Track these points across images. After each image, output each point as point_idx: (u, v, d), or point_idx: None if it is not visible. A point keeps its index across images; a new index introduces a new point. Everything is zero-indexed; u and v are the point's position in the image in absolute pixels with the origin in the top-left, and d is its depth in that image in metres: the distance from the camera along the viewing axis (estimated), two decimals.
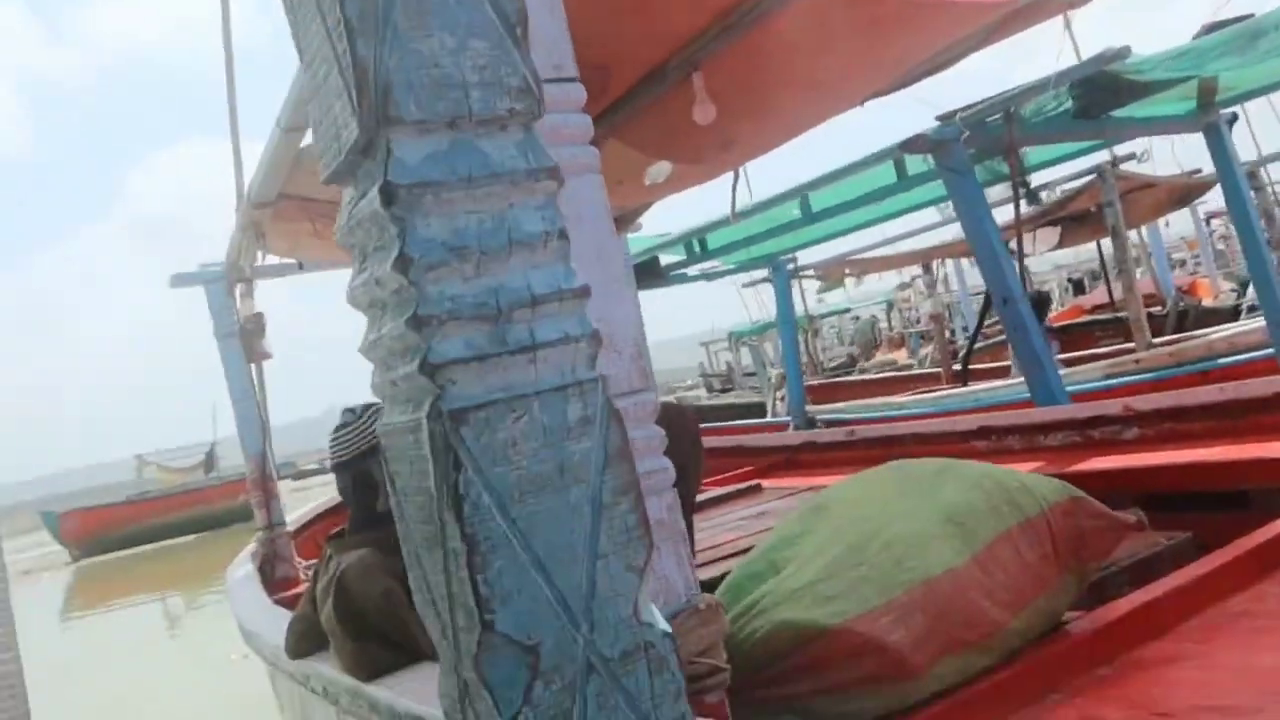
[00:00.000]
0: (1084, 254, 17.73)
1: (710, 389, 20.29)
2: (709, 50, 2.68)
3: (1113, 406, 3.22)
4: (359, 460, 2.03)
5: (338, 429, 2.11)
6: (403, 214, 0.74)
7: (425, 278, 0.73)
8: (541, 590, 0.73)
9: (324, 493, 5.39)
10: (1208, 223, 15.69)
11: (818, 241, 5.96)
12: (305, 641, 2.03)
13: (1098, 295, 13.83)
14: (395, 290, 0.76)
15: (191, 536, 22.35)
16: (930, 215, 6.85)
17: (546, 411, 0.75)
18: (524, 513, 0.73)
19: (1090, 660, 1.40)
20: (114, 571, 19.44)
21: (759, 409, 10.75)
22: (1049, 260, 19.67)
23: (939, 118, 3.87)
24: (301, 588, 3.64)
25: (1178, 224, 15.21)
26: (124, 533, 22.34)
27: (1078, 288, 19.37)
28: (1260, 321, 5.48)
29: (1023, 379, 6.42)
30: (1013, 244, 4.32)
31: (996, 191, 4.76)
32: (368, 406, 2.10)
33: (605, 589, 0.76)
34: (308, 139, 2.63)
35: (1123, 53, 3.46)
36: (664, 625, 0.80)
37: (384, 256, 0.75)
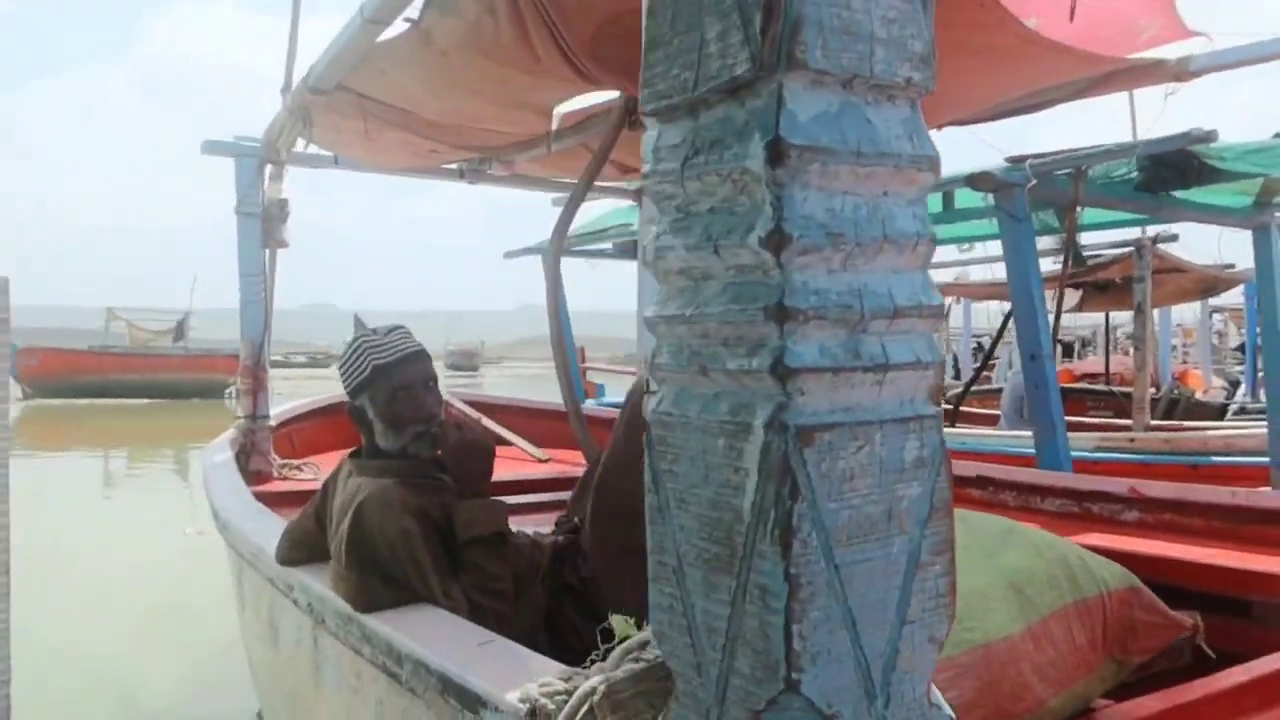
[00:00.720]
0: (1081, 320, 17.78)
1: None
2: None
3: (1118, 486, 3.19)
4: (354, 395, 1.98)
5: (342, 356, 2.05)
6: (786, 180, 0.63)
7: (795, 262, 0.63)
8: (849, 652, 0.65)
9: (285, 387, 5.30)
10: (1210, 316, 15.79)
11: (951, 242, 5.83)
12: (297, 551, 1.97)
13: (1089, 364, 13.87)
14: (747, 267, 0.65)
15: (146, 401, 22.14)
16: (950, 250, 6.80)
17: (887, 444, 0.66)
18: (848, 559, 0.64)
19: None
20: (64, 417, 19.23)
21: None
22: None
23: (1009, 159, 3.81)
24: (273, 484, 3.58)
25: (1177, 310, 15.29)
26: (82, 381, 22.09)
27: (1066, 350, 19.42)
28: (1258, 427, 5.50)
29: (1012, 432, 6.45)
30: (1049, 300, 4.27)
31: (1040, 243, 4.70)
32: (369, 332, 2.03)
33: (906, 661, 0.68)
34: (387, 33, 2.52)
35: (1210, 135, 3.41)
36: (949, 711, 0.72)
37: (739, 224, 0.65)
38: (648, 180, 0.73)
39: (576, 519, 2.00)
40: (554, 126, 3.23)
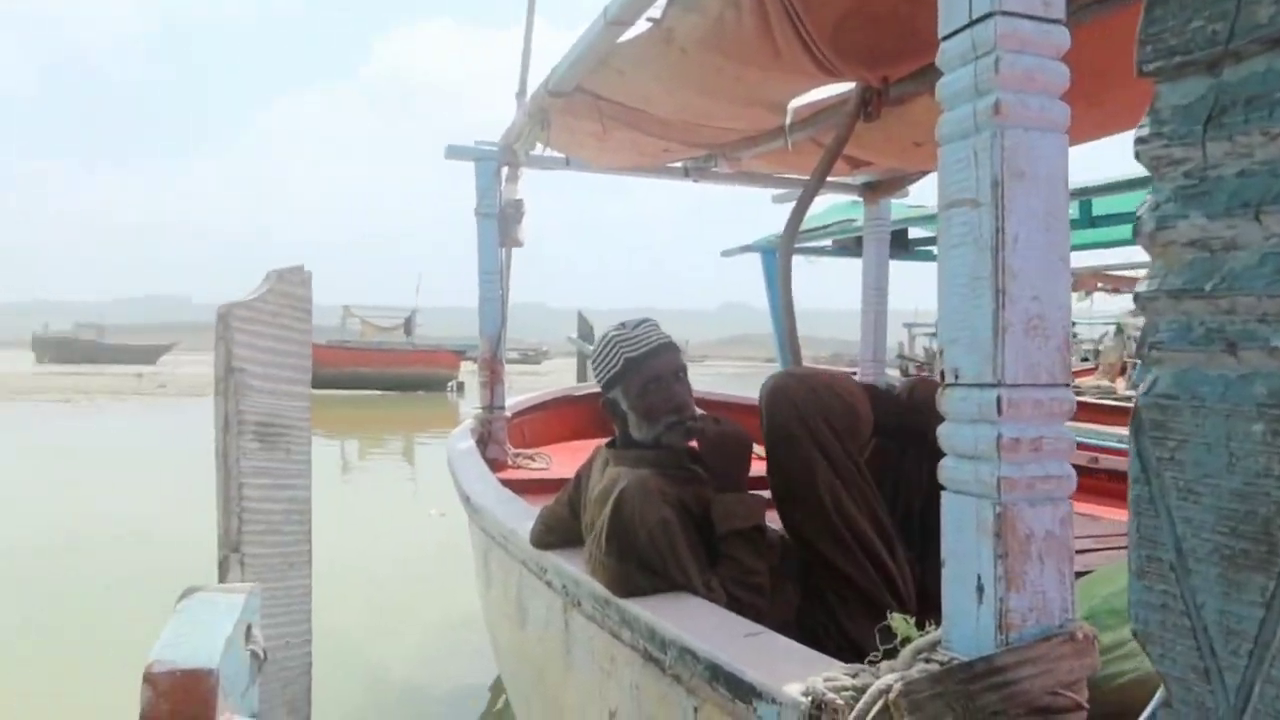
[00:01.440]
0: None
1: (905, 373, 19.60)
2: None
3: None
4: (607, 389, 2.03)
5: (594, 351, 2.10)
6: None
7: None
8: None
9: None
10: None
11: (1090, 247, 5.52)
12: (551, 535, 2.06)
13: None
14: None
15: (377, 392, 23.84)
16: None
17: None
18: None
19: None
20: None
21: None
22: None
23: None
24: (508, 472, 3.75)
25: None
26: (320, 373, 24.09)
27: None
28: None
29: None
30: None
31: None
32: (619, 326, 2.07)
33: None
34: (628, 34, 2.58)
35: None
36: None
37: None
38: (1145, 146, 0.70)
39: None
40: (787, 121, 3.21)
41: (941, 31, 1.03)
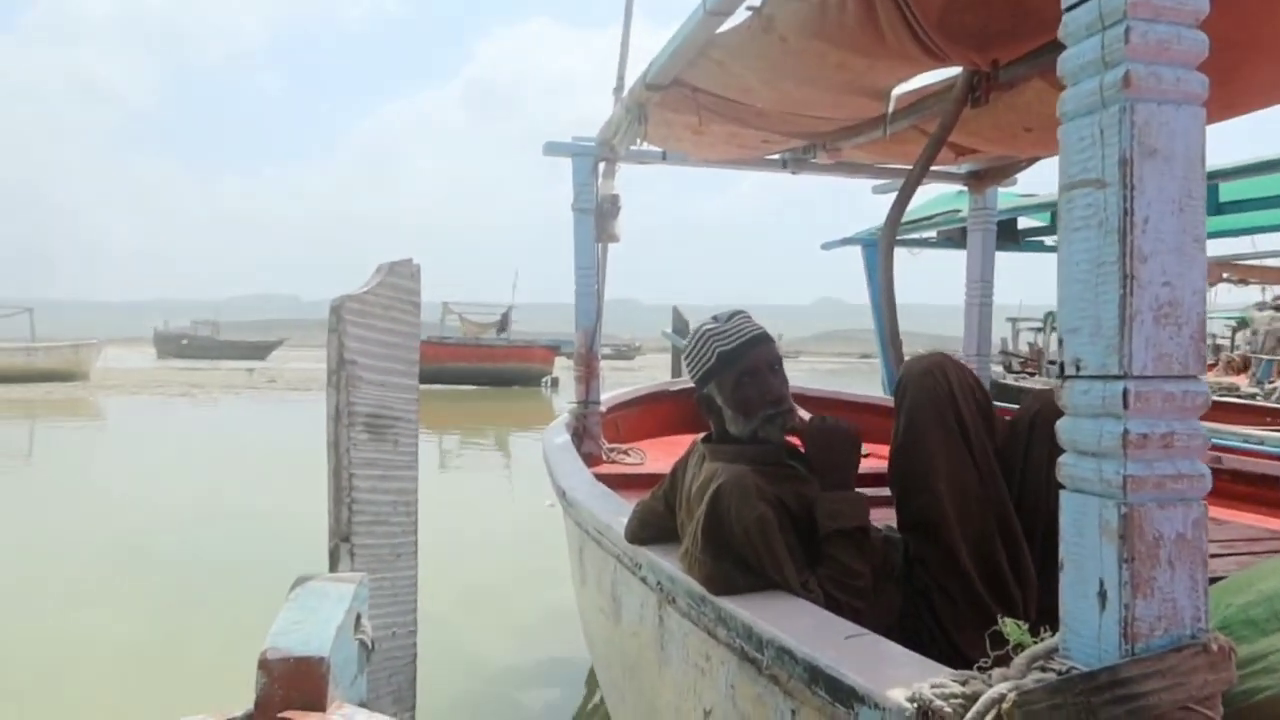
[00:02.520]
0: None
1: (1009, 369, 18.96)
2: None
3: None
4: (701, 384, 2.00)
5: (687, 346, 2.07)
6: None
7: None
8: None
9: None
10: None
11: (1216, 235, 5.22)
12: (646, 530, 2.04)
13: None
14: None
15: (473, 387, 24.30)
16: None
17: None
18: None
19: None
20: None
21: None
22: None
23: None
24: (603, 467, 3.75)
25: None
26: (422, 368, 24.63)
27: None
28: None
29: None
30: None
31: None
32: (711, 320, 2.03)
33: None
34: (727, 24, 2.54)
35: None
36: None
37: None
38: None
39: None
40: (889, 109, 3.12)
41: (1066, 1, 0.97)
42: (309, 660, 1.31)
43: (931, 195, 5.70)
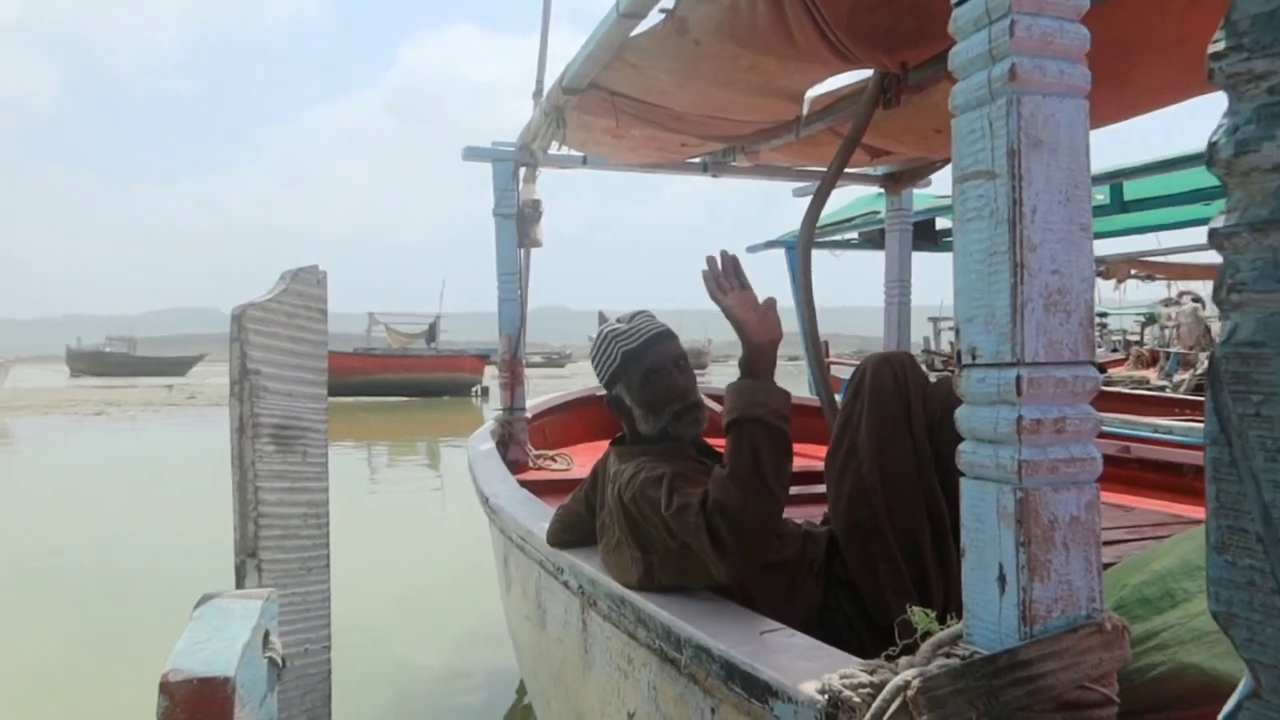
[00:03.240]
0: None
1: (931, 367, 19.42)
2: None
3: None
4: (609, 385, 2.00)
5: (593, 350, 2.06)
6: None
7: None
8: None
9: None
10: None
11: (1123, 234, 5.41)
12: (569, 533, 2.03)
13: None
14: None
15: (402, 398, 23.95)
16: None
17: None
18: None
19: None
20: (334, 415, 21.12)
21: None
22: None
23: None
24: (529, 474, 3.72)
25: None
26: (348, 381, 24.21)
27: None
28: None
29: None
30: None
31: None
32: (613, 322, 2.03)
33: None
34: (641, 27, 2.55)
35: None
36: None
37: None
38: (1221, 62, 0.64)
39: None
40: (804, 111, 3.16)
41: None
42: (213, 681, 1.26)
43: (854, 197, 5.80)
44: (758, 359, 1.66)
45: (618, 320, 2.04)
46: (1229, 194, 0.66)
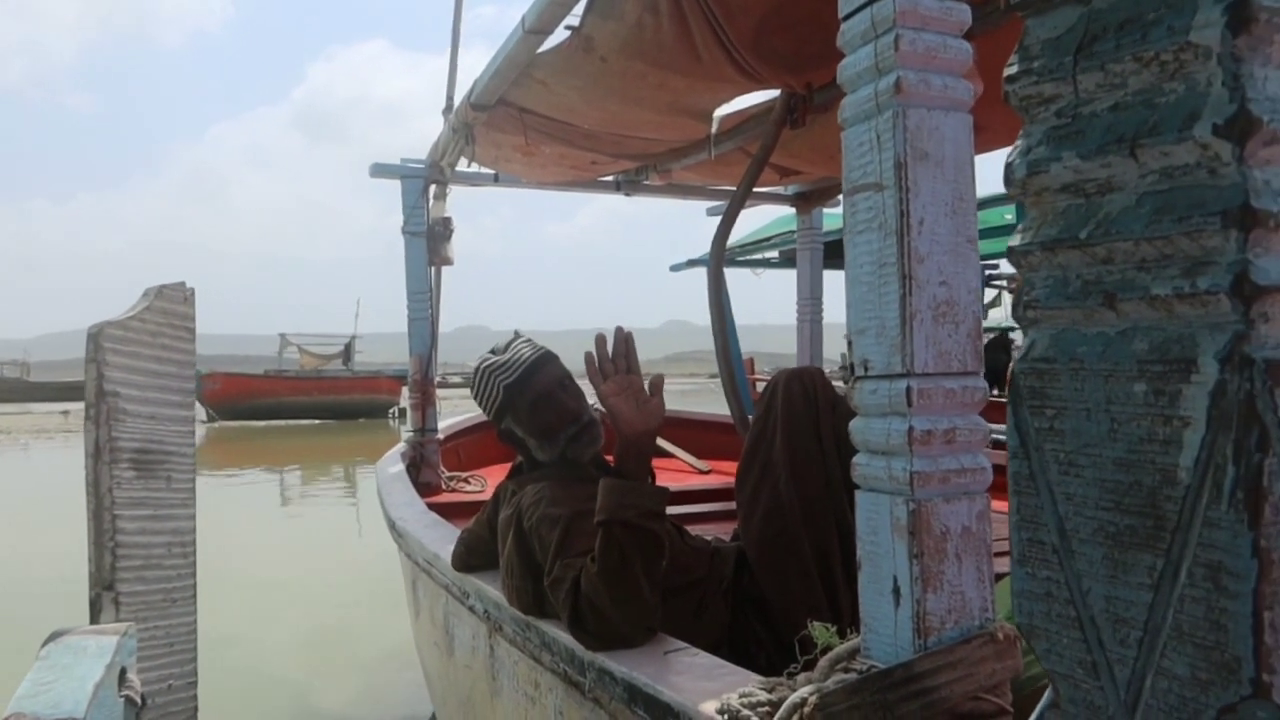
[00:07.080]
0: None
1: (847, 381, 19.73)
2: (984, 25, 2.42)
3: None
4: (497, 420, 1.95)
5: (473, 388, 2.00)
6: (1247, 53, 0.54)
7: (1260, 155, 0.53)
8: None
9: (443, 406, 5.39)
10: None
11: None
12: (474, 556, 1.97)
13: None
14: (1181, 168, 0.56)
15: (317, 421, 23.36)
16: None
17: None
18: None
19: None
20: (245, 438, 20.50)
21: None
22: None
23: None
24: (442, 496, 3.65)
25: None
26: (259, 404, 23.49)
27: None
28: None
29: None
30: None
31: None
32: (488, 355, 1.97)
33: None
34: (546, 44, 2.53)
35: None
36: None
37: (1170, 116, 0.56)
38: (1014, 85, 0.65)
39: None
40: (713, 130, 3.18)
41: (842, 11, 0.99)
42: None
43: (773, 217, 5.87)
44: (629, 453, 1.53)
45: (491, 351, 1.98)
46: (1025, 213, 0.67)
